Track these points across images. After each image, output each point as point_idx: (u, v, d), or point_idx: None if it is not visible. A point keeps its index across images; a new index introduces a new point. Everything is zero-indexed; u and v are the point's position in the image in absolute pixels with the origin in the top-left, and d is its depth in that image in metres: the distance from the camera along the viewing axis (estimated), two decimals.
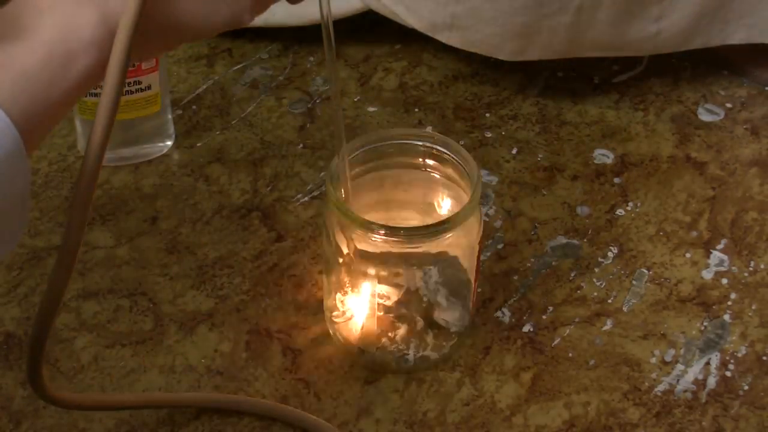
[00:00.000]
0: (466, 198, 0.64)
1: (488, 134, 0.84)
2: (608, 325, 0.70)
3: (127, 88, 0.77)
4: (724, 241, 0.76)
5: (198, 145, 0.83)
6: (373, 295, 0.66)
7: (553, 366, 0.68)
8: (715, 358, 0.69)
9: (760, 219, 0.78)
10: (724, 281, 0.73)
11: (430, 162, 0.67)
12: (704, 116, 0.86)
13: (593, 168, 0.82)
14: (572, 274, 0.74)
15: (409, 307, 0.66)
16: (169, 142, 0.83)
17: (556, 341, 0.69)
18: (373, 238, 0.63)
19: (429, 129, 0.85)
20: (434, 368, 0.68)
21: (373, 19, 0.89)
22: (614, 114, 0.86)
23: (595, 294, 0.72)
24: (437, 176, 0.68)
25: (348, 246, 0.64)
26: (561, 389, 0.67)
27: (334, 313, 0.68)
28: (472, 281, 0.67)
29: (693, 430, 0.64)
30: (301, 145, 0.83)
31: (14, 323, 0.70)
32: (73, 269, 0.50)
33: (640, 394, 0.66)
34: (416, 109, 0.87)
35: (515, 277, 0.73)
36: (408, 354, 0.67)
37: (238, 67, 0.91)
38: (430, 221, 0.66)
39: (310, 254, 0.75)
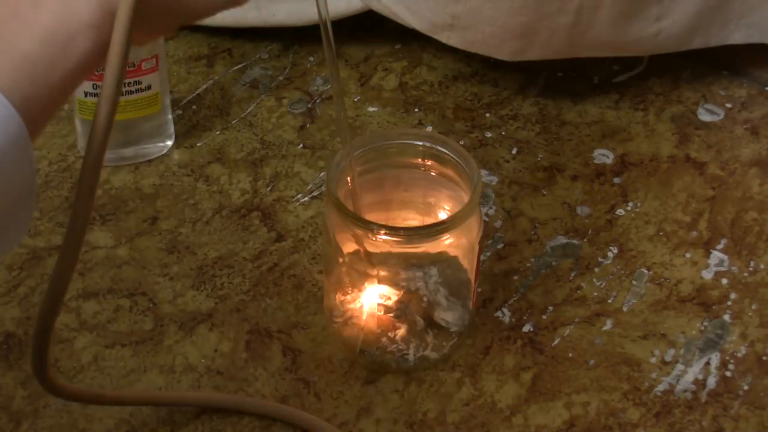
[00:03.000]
0: (466, 198, 0.64)
1: (488, 134, 0.85)
2: (608, 325, 0.70)
3: (127, 88, 0.77)
4: (724, 241, 0.76)
5: (198, 145, 0.83)
6: (373, 295, 0.66)
7: (553, 366, 0.68)
8: (715, 358, 0.69)
9: (760, 219, 0.78)
10: (724, 281, 0.73)
11: (430, 162, 0.67)
12: (704, 116, 0.86)
13: (593, 168, 0.82)
14: (572, 274, 0.74)
15: (409, 307, 0.66)
16: (169, 142, 0.83)
17: (556, 341, 0.69)
18: (373, 239, 0.63)
19: (429, 129, 0.85)
20: (434, 368, 0.68)
21: (373, 19, 0.89)
22: (614, 114, 0.86)
23: (595, 294, 0.72)
24: (437, 176, 0.68)
25: (359, 247, 0.64)
26: (561, 389, 0.67)
27: (334, 313, 0.68)
28: (472, 281, 0.67)
29: (693, 430, 0.64)
30: (301, 145, 0.83)
31: (14, 323, 0.70)
32: (81, 245, 0.50)
33: (640, 394, 0.66)
34: (416, 109, 0.87)
35: (515, 277, 0.73)
36: (408, 354, 0.67)
37: (238, 67, 0.91)
38: (430, 221, 0.66)
39: (310, 254, 0.75)
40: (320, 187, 0.80)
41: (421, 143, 0.67)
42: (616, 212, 0.78)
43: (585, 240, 0.76)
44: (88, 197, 0.49)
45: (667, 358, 0.68)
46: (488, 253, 0.75)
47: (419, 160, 0.68)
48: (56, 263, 0.51)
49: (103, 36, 0.47)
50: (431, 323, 0.67)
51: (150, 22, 0.50)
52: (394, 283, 0.65)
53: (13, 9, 0.46)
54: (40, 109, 0.45)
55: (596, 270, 0.74)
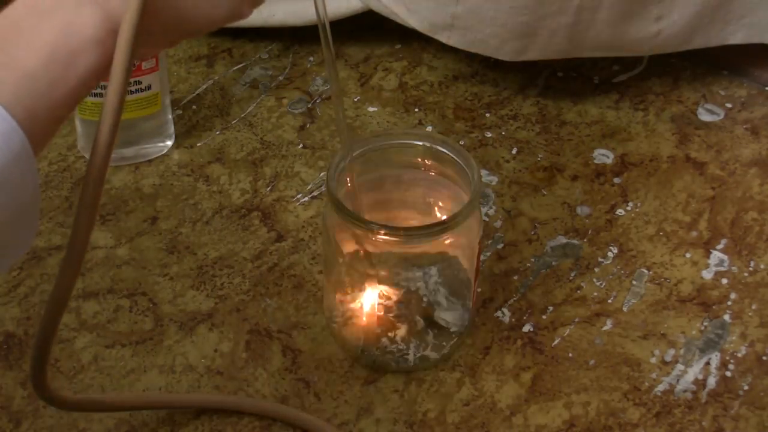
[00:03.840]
0: (466, 198, 0.64)
1: (488, 134, 0.85)
2: (608, 325, 0.70)
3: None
4: (724, 241, 0.76)
5: (198, 145, 0.83)
6: (373, 295, 0.66)
7: (553, 366, 0.68)
8: (715, 358, 0.69)
9: (760, 219, 0.78)
10: (724, 281, 0.73)
11: (430, 162, 0.67)
12: (704, 116, 0.86)
13: (593, 168, 0.82)
14: (572, 274, 0.74)
15: (409, 307, 0.66)
16: (169, 142, 0.83)
17: (556, 341, 0.69)
18: (373, 239, 0.63)
19: (429, 129, 0.85)
20: (434, 368, 0.68)
21: (373, 19, 0.89)
22: (614, 114, 0.86)
23: (595, 294, 0.72)
24: (437, 176, 0.68)
25: (359, 247, 0.64)
26: (561, 389, 0.67)
27: (334, 313, 0.68)
28: (472, 281, 0.67)
29: (693, 430, 0.64)
30: (301, 145, 0.84)
31: (14, 323, 0.70)
32: (81, 265, 0.50)
33: (640, 394, 0.66)
34: (416, 109, 0.87)
35: (515, 277, 0.73)
36: (408, 354, 0.67)
37: (238, 67, 0.91)
38: (430, 221, 0.66)
39: (310, 254, 0.75)
40: (320, 187, 0.80)
41: (421, 143, 0.67)
42: (616, 212, 0.78)
43: (585, 240, 0.76)
44: (91, 213, 0.49)
45: (667, 358, 0.68)
46: (488, 253, 0.75)
47: (419, 160, 0.68)
48: (55, 283, 0.51)
49: (107, 52, 0.47)
50: (431, 323, 0.67)
51: (153, 37, 0.50)
52: (394, 283, 0.65)
53: (16, 24, 0.46)
54: (44, 124, 0.45)
55: (596, 270, 0.74)
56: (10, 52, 0.45)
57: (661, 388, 0.67)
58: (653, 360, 0.68)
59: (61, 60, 0.46)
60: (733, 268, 0.74)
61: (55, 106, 0.46)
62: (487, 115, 0.86)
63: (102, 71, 0.48)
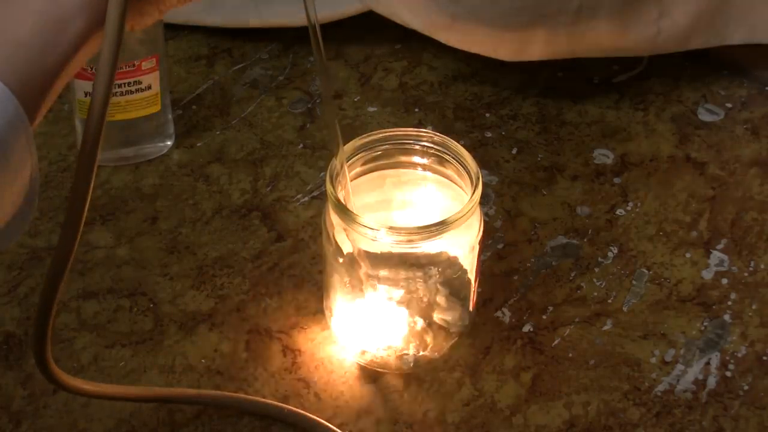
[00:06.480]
0: (466, 198, 0.64)
1: (488, 134, 0.85)
2: (608, 325, 0.70)
3: (127, 88, 0.77)
4: (724, 241, 0.76)
5: (198, 145, 0.83)
6: (373, 295, 0.66)
7: (553, 366, 0.68)
8: (715, 358, 0.69)
9: (760, 219, 0.78)
10: (724, 281, 0.73)
11: (430, 162, 0.67)
12: (704, 116, 0.86)
13: (593, 168, 0.82)
14: (572, 274, 0.74)
15: (409, 307, 0.66)
16: (169, 142, 0.83)
17: (556, 341, 0.69)
18: (373, 238, 0.63)
19: (429, 129, 0.85)
20: (434, 368, 0.68)
21: (373, 19, 0.89)
22: (614, 114, 0.86)
23: (595, 294, 0.72)
24: (437, 176, 0.68)
25: (358, 247, 0.64)
26: (561, 389, 0.67)
27: (334, 313, 0.68)
28: (472, 281, 0.67)
29: (693, 430, 0.65)
30: (301, 145, 0.84)
31: (14, 323, 0.70)
32: (78, 239, 0.50)
33: (640, 394, 0.66)
34: (416, 109, 0.87)
35: (515, 277, 0.73)
36: (408, 354, 0.67)
37: (238, 67, 0.91)
38: (430, 221, 0.66)
39: (310, 254, 0.75)
40: (320, 187, 0.80)
41: (421, 143, 0.67)
42: (616, 212, 0.78)
43: (585, 240, 0.76)
44: (91, 158, 0.48)
45: (667, 358, 0.68)
46: (488, 253, 0.75)
47: (419, 160, 0.68)
48: (56, 247, 0.51)
49: (96, 16, 0.47)
50: (431, 323, 0.67)
51: (143, 2, 0.50)
52: (394, 283, 0.65)
53: None
54: (38, 92, 0.46)
55: (596, 270, 0.74)
56: (0, 23, 0.45)
57: (661, 388, 0.67)
58: (653, 360, 0.68)
59: (51, 27, 0.46)
60: (733, 268, 0.74)
61: (48, 72, 0.46)
62: (487, 115, 0.86)
63: (93, 37, 0.48)
